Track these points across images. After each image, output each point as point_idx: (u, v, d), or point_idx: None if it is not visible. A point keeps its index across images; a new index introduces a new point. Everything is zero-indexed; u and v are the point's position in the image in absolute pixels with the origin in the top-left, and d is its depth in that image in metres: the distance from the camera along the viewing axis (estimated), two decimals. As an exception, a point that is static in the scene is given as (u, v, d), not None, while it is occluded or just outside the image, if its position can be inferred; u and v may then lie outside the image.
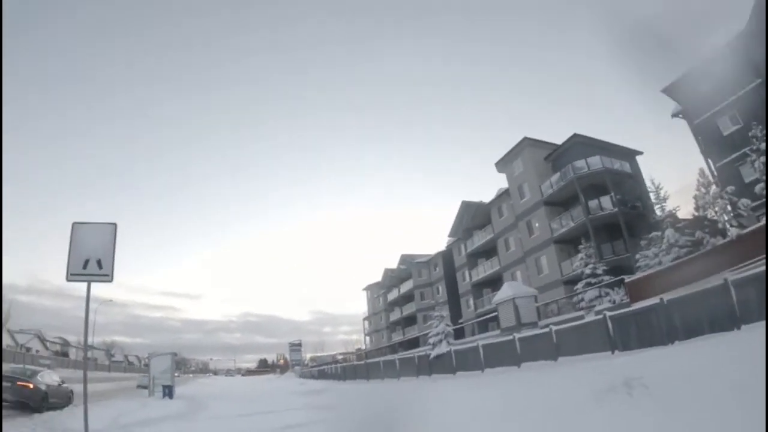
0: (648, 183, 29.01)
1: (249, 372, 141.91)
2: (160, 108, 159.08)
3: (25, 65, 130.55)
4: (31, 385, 16.70)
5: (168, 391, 27.32)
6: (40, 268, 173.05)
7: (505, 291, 30.49)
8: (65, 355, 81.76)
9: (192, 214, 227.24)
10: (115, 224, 9.16)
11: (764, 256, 15.79)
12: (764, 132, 20.43)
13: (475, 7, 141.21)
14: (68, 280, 8.77)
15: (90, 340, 77.37)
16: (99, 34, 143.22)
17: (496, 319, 39.01)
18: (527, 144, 39.88)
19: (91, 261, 8.77)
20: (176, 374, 41.12)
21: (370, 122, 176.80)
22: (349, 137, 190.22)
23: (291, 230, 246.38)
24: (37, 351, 72.99)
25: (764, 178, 19.19)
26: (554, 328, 21.28)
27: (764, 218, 18.89)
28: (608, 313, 18.75)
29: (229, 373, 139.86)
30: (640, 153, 38.58)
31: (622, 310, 19.21)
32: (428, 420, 11.29)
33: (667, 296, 16.86)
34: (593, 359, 17.60)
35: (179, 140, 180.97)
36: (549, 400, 10.05)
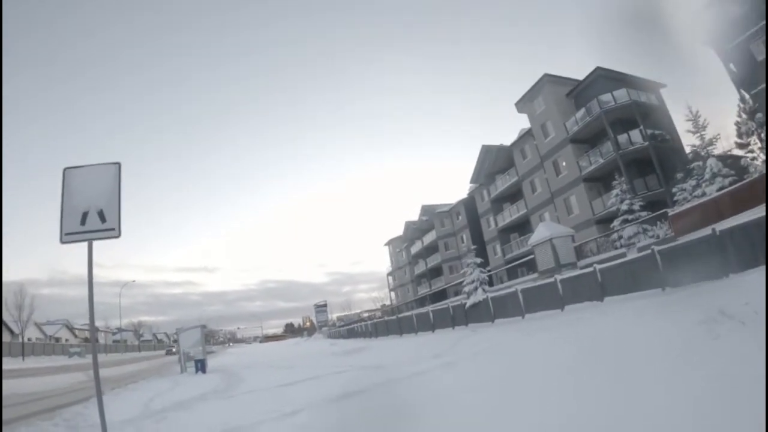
0: (682, 113, 28.40)
1: (268, 338, 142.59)
2: (170, 83, 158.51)
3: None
4: None
5: (200, 366, 26.81)
6: (56, 259, 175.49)
7: (542, 232, 30.16)
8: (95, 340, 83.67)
9: (200, 185, 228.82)
10: (118, 164, 7.08)
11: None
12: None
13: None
14: (63, 241, 6.66)
15: (118, 323, 79.08)
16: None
17: (526, 264, 39.10)
18: (547, 80, 39.13)
19: (91, 213, 6.78)
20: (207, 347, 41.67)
21: (379, 73, 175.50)
22: (360, 91, 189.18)
23: (302, 193, 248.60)
24: (67, 340, 75.02)
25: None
26: (598, 267, 21.19)
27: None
28: (656, 248, 18.58)
29: (246, 341, 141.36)
30: (664, 86, 37.77)
31: (670, 244, 18.99)
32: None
33: (718, 227, 16.69)
34: (643, 297, 17.56)
35: (188, 114, 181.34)
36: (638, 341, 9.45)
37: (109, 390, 17.27)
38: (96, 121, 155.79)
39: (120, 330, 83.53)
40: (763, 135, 20.36)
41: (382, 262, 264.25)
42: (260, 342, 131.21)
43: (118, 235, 6.87)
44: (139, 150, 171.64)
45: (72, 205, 6.83)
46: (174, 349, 61.99)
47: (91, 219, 6.81)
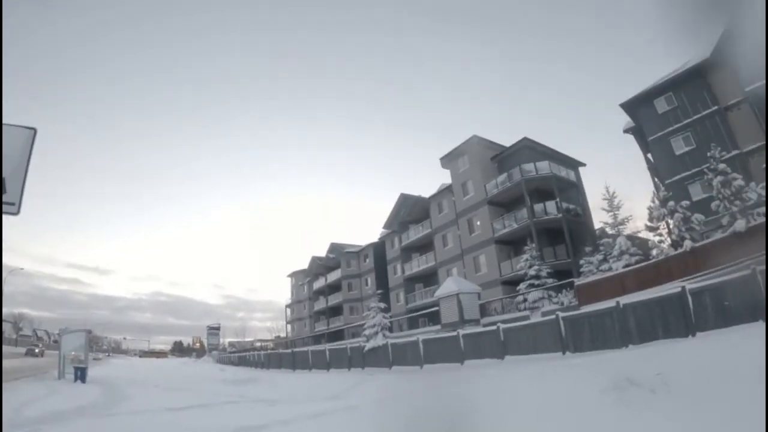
0: (597, 191, 30.11)
1: (147, 353, 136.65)
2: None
3: None
4: None
5: (81, 374, 25.03)
6: None
7: (449, 286, 30.70)
8: None
9: (105, 180, 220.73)
10: (34, 129, 5.62)
11: (715, 269, 16.79)
12: (722, 154, 21.62)
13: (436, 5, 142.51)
14: None
15: None
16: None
17: (428, 315, 39.49)
18: (475, 142, 40.35)
19: None
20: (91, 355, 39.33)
21: (307, 104, 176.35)
22: (282, 118, 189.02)
23: (207, 210, 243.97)
24: None
25: (718, 196, 20.27)
26: (502, 326, 21.65)
27: (718, 233, 20.06)
28: (561, 314, 19.27)
29: (128, 353, 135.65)
30: (584, 164, 40.05)
31: (575, 312, 19.82)
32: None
33: (622, 300, 17.54)
34: (544, 359, 18.06)
35: (108, 107, 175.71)
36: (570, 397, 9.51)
37: None
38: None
39: None
40: (671, 222, 21.82)
41: (279, 294, 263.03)
42: (139, 356, 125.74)
43: (17, 212, 5.40)
44: (54, 121, 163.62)
45: None
46: (36, 350, 58.02)
47: None
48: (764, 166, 22.04)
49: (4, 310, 79.46)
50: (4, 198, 5.24)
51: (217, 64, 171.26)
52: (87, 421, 11.77)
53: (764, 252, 13.69)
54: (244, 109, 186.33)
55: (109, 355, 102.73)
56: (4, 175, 5.24)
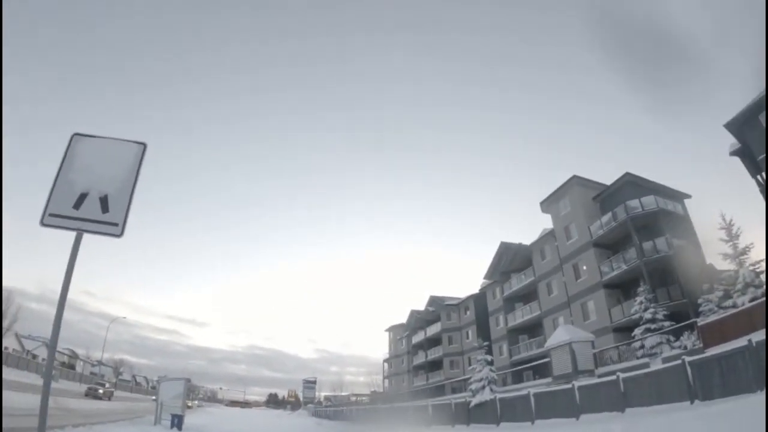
0: (710, 222, 28.46)
1: (232, 403, 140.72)
2: (179, 130, 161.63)
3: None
4: None
5: (177, 422, 25.31)
6: (47, 277, 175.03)
7: (561, 335, 29.52)
8: (71, 367, 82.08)
9: (204, 237, 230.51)
10: (143, 144, 5.39)
11: None
12: None
13: (520, 35, 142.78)
14: (43, 223, 4.88)
15: (99, 355, 77.25)
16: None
17: (534, 368, 38.26)
18: (575, 183, 39.58)
19: (91, 197, 5.03)
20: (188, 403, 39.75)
21: (403, 159, 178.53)
22: (380, 173, 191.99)
23: (302, 264, 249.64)
24: (43, 359, 73.05)
25: None
26: (621, 375, 20.41)
27: None
28: (687, 359, 17.96)
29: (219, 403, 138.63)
30: (689, 196, 38.09)
31: (702, 355, 18.43)
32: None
33: (753, 338, 16.17)
34: (671, 410, 16.80)
35: (196, 166, 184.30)
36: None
37: (71, 427, 15.63)
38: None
39: (99, 363, 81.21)
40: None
41: (373, 348, 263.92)
42: (225, 405, 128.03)
43: (120, 234, 5.05)
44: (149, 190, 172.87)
45: (69, 179, 5.06)
46: (101, 390, 59.43)
47: (90, 205, 5.01)
48: None
49: (107, 355, 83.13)
50: (107, 217, 5.02)
51: (308, 115, 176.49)
52: None
53: None
54: (344, 160, 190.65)
55: (200, 405, 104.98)
56: (106, 192, 5.08)
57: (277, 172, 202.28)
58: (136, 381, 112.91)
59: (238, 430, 30.58)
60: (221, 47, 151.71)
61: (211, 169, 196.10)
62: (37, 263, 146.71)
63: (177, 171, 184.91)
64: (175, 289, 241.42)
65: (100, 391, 49.20)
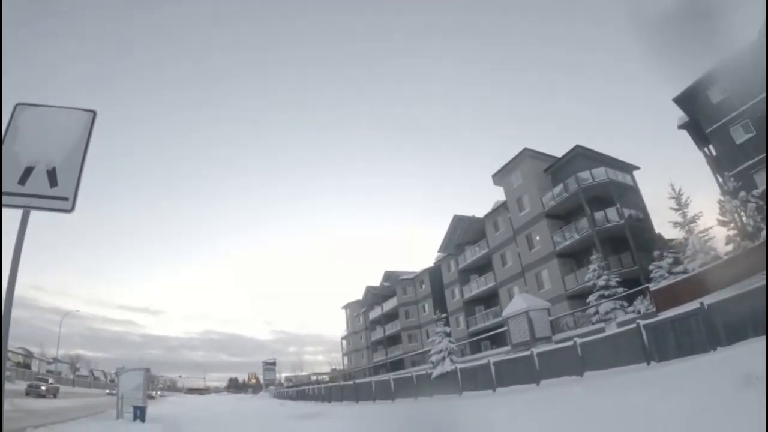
0: (660, 192, 29.41)
1: (191, 390, 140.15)
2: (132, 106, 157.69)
3: None
4: None
5: (140, 413, 24.66)
6: None
7: (518, 303, 30.21)
8: (27, 366, 79.90)
9: (152, 224, 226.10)
10: (93, 112, 4.96)
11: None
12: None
13: (472, 12, 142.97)
14: None
15: (54, 352, 75.46)
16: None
17: (491, 338, 39.06)
18: (527, 155, 40.22)
19: (38, 171, 4.59)
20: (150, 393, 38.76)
21: (354, 136, 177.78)
22: (331, 151, 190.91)
23: (254, 247, 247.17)
24: None
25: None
26: (579, 340, 21.13)
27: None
28: (642, 322, 18.72)
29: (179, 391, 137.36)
30: (638, 168, 39.19)
31: (657, 318, 19.18)
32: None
33: (705, 301, 16.91)
34: (629, 372, 17.39)
35: (148, 149, 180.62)
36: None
37: (31, 428, 14.92)
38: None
39: (56, 360, 79.38)
40: (744, 213, 21.21)
41: (331, 327, 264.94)
42: (184, 393, 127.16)
43: (71, 209, 4.59)
44: (93, 169, 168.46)
45: (13, 152, 4.60)
46: (44, 387, 57.78)
47: (36, 179, 4.56)
48: None
49: (62, 351, 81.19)
50: (56, 191, 4.57)
51: (259, 94, 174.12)
52: None
53: None
54: (291, 140, 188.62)
55: (162, 395, 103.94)
56: (54, 165, 4.64)
57: (229, 155, 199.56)
58: (94, 375, 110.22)
59: (201, 418, 30.25)
60: (172, 12, 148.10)
61: (161, 154, 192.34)
62: None
63: (126, 154, 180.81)
64: (126, 278, 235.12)
65: (43, 387, 46.65)
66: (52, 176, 4.58)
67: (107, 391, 59.99)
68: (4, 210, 4.36)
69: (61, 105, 4.90)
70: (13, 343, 79.62)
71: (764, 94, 25.60)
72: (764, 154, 24.37)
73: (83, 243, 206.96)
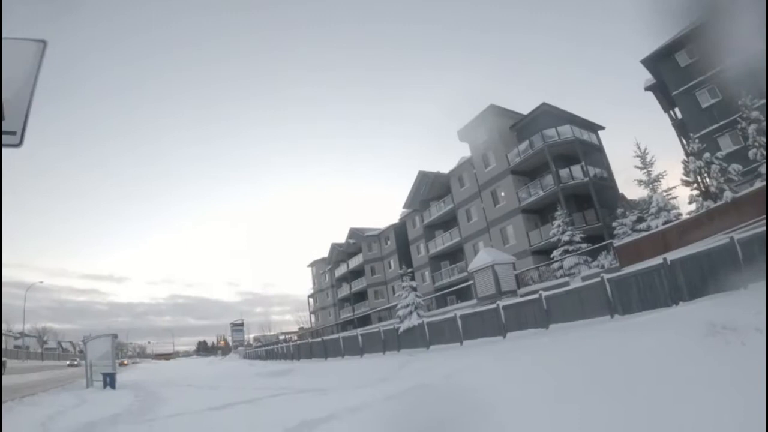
0: (626, 150, 29.98)
1: (158, 356, 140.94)
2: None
3: None
4: None
5: (109, 380, 24.75)
6: None
7: (483, 257, 30.56)
8: None
9: (108, 188, 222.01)
10: (43, 42, 4.57)
11: (764, 217, 16.73)
12: (753, 101, 21.55)
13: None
14: None
15: (20, 327, 74.40)
16: None
17: (456, 292, 39.63)
18: (492, 112, 40.26)
19: None
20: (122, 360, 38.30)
21: (317, 92, 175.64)
22: (290, 109, 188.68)
23: (215, 208, 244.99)
24: None
25: (755, 144, 20.26)
26: (544, 294, 21.68)
27: (758, 182, 20.04)
28: (606, 276, 19.28)
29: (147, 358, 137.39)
30: (603, 128, 39.64)
31: (621, 273, 19.76)
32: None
33: (668, 257, 17.51)
34: (594, 324, 17.91)
35: (105, 113, 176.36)
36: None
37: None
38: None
39: (23, 335, 78.32)
40: (708, 174, 21.79)
41: (297, 286, 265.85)
42: (152, 359, 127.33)
43: (19, 143, 4.31)
44: (45, 130, 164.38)
45: None
46: (76, 362, 57.32)
47: None
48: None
49: (28, 325, 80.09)
50: (3, 126, 4.21)
51: (224, 60, 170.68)
52: (124, 429, 10.78)
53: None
54: (252, 102, 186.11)
55: (134, 362, 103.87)
56: (3, 98, 4.23)
57: (189, 111, 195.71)
58: (62, 347, 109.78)
59: (171, 381, 30.20)
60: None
61: (119, 113, 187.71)
62: None
63: (87, 107, 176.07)
64: (87, 246, 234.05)
65: (76, 362, 45.69)
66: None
67: (68, 362, 59.07)
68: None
69: (7, 35, 4.47)
70: None
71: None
72: (728, 119, 25.18)
73: (40, 212, 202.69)
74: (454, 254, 46.13)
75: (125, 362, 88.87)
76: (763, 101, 22.25)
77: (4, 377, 32.41)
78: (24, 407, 15.02)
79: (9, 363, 56.72)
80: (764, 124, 20.90)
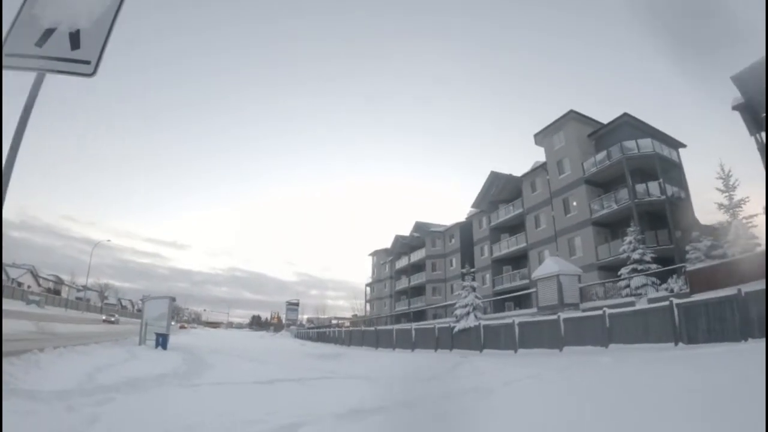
0: (707, 172, 28.84)
1: (209, 324, 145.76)
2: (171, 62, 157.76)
3: None
4: None
5: (162, 341, 25.38)
6: (27, 204, 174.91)
7: (549, 265, 30.06)
8: (57, 293, 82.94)
9: (182, 158, 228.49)
10: None
11: None
12: None
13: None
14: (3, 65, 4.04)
15: (84, 281, 77.99)
16: None
17: (516, 299, 39.17)
18: (572, 117, 39.53)
19: (59, 33, 4.20)
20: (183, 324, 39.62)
21: (395, 87, 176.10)
22: (369, 95, 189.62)
23: (283, 188, 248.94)
24: (29, 287, 73.99)
25: None
26: (608, 311, 21.16)
27: None
28: (675, 301, 18.61)
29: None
30: (684, 146, 38.16)
31: (692, 299, 19.08)
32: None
33: (743, 288, 16.67)
34: (655, 350, 17.32)
35: (181, 88, 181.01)
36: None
37: (52, 349, 14.76)
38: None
39: (85, 288, 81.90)
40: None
41: (353, 272, 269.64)
42: (204, 327, 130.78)
43: (92, 73, 4.21)
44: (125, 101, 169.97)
45: (32, 13, 4.21)
46: (113, 318, 59.19)
47: (56, 42, 4.18)
48: None
49: (91, 279, 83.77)
50: (77, 54, 4.18)
51: (293, 40, 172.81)
52: (166, 391, 10.30)
53: None
54: (329, 86, 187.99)
55: (194, 327, 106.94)
56: (78, 27, 4.23)
57: (264, 96, 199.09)
58: (121, 304, 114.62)
59: (222, 349, 30.63)
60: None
61: (198, 89, 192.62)
62: (15, 189, 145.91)
63: (160, 85, 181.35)
64: (154, 211, 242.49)
65: (113, 318, 54.36)
66: (74, 39, 4.24)
67: (103, 317, 61.09)
68: (21, 74, 4.08)
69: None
70: (44, 270, 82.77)
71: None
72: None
73: (114, 175, 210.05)
74: (518, 260, 45.53)
75: (185, 326, 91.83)
76: None
77: (69, 325, 33.83)
78: (75, 355, 15.30)
79: (68, 312, 59.51)
80: None
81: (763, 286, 16.19)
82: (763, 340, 14.64)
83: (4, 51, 4.04)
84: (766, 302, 13.60)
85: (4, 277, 69.29)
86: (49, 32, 4.16)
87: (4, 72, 4.02)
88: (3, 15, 4.10)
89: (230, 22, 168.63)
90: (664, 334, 18.26)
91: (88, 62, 4.19)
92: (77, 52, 4.18)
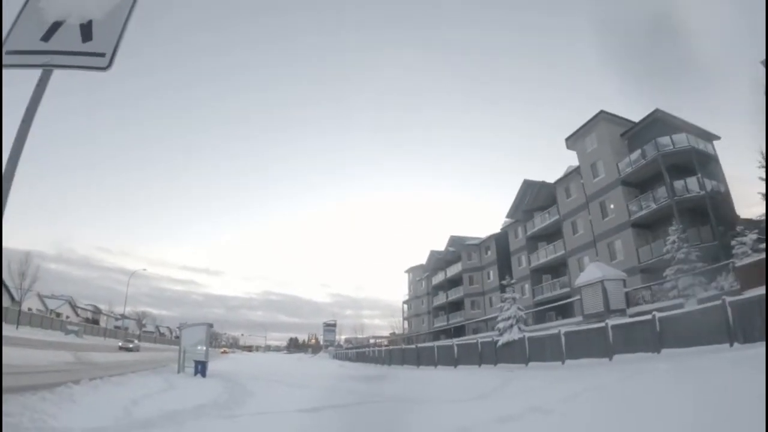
0: (742, 163, 28.04)
1: (245, 348, 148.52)
2: (193, 86, 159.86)
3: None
4: None
5: (201, 368, 25.03)
6: (66, 236, 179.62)
7: (592, 272, 29.39)
8: (95, 322, 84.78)
9: (212, 184, 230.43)
10: None
11: None
12: None
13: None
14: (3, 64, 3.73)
15: (122, 310, 79.44)
16: None
17: (557, 308, 38.50)
18: (603, 118, 38.88)
19: (68, 26, 3.88)
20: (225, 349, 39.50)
21: (421, 98, 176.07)
22: (395, 113, 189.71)
23: (315, 209, 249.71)
24: (68, 317, 75.91)
25: None
26: (658, 315, 20.47)
27: None
28: (728, 299, 17.93)
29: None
30: (718, 138, 37.19)
31: (744, 296, 18.36)
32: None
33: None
34: (710, 352, 16.64)
35: (207, 112, 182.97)
36: None
37: (87, 381, 14.37)
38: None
39: (123, 317, 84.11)
40: None
41: (387, 290, 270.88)
42: (241, 351, 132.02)
43: (107, 66, 3.85)
44: (152, 131, 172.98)
45: (37, 8, 3.91)
46: (131, 345, 59.66)
47: (65, 34, 3.86)
48: None
49: (129, 308, 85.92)
50: (89, 47, 3.87)
51: (321, 60, 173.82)
52: (206, 425, 10.09)
53: None
54: (359, 105, 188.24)
55: (233, 351, 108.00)
56: (89, 18, 3.92)
57: (292, 115, 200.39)
58: (159, 332, 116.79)
59: (262, 375, 30.42)
60: None
61: (224, 114, 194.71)
62: (51, 225, 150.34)
63: (187, 111, 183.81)
64: (185, 239, 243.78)
65: (131, 345, 52.26)
66: (86, 30, 3.92)
67: (120, 343, 60.86)
68: (23, 72, 3.75)
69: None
70: (82, 301, 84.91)
71: None
72: None
73: (145, 203, 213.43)
74: (557, 268, 44.92)
75: (227, 351, 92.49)
76: None
77: (106, 354, 34.07)
78: (111, 387, 15.01)
79: (106, 341, 60.26)
80: None
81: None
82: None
83: (6, 48, 3.79)
84: (766, 304, 13.03)
85: (43, 308, 71.11)
86: (56, 25, 3.89)
87: (6, 72, 3.79)
88: (3, 13, 3.84)
89: (268, 40, 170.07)
90: (718, 334, 17.54)
91: (102, 54, 3.88)
92: (89, 44, 3.89)
